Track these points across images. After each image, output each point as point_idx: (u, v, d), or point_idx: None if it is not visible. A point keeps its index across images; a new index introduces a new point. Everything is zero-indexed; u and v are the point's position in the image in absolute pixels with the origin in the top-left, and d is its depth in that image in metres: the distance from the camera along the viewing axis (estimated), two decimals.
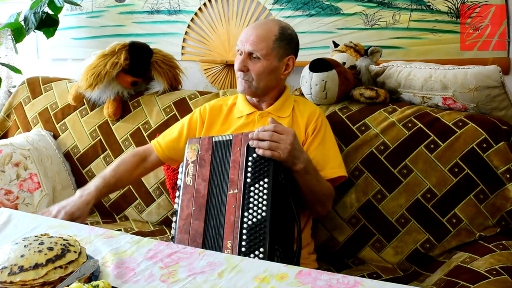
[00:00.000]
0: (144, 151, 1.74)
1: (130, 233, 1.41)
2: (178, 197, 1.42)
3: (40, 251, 1.00)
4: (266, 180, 1.31)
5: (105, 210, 2.13)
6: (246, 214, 1.29)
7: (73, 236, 1.14)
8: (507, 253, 1.42)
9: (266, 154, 1.33)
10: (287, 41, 1.59)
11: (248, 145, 1.36)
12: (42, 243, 1.02)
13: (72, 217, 1.50)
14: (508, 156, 1.57)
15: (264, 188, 1.30)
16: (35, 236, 1.07)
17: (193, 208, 1.37)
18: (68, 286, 0.94)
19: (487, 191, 1.58)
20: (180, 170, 1.46)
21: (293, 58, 1.62)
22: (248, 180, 1.32)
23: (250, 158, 1.34)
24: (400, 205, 1.66)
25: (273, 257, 1.24)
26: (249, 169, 1.33)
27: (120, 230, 1.74)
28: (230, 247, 1.27)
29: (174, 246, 1.16)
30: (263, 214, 1.27)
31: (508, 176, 1.56)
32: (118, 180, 1.67)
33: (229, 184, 1.34)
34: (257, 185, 1.31)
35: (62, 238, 1.08)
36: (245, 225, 1.28)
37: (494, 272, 1.31)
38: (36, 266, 0.97)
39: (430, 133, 1.65)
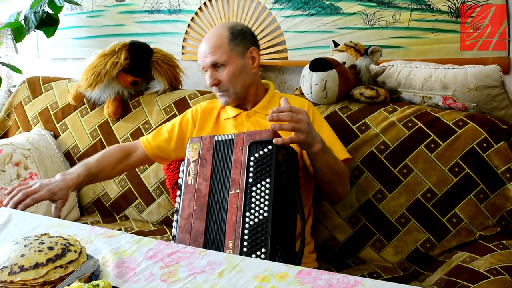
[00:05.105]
0: (130, 147, 1.74)
1: (130, 233, 1.41)
2: (179, 196, 1.41)
3: (40, 251, 1.00)
4: (268, 180, 1.30)
5: (106, 210, 2.13)
6: (248, 214, 1.28)
7: (74, 236, 1.14)
8: (508, 252, 1.43)
9: (286, 141, 1.31)
10: (241, 37, 1.60)
11: (250, 145, 1.35)
12: (42, 243, 1.02)
13: (53, 197, 1.50)
14: (508, 156, 1.57)
15: (266, 188, 1.29)
16: (35, 236, 1.07)
17: (195, 208, 1.37)
18: (68, 285, 0.94)
19: (487, 191, 1.58)
20: (181, 168, 1.46)
21: (255, 50, 1.63)
22: (250, 180, 1.31)
23: (252, 158, 1.33)
24: (400, 204, 1.66)
25: (274, 257, 1.24)
26: (251, 169, 1.32)
27: (120, 229, 1.74)
28: (231, 247, 1.27)
29: (174, 245, 1.16)
30: (265, 214, 1.27)
31: (508, 175, 1.56)
32: (100, 172, 1.67)
33: (230, 184, 1.34)
34: (259, 185, 1.30)
35: (62, 237, 1.08)
36: (247, 225, 1.27)
37: (495, 272, 1.31)
38: (37, 266, 0.97)
39: (430, 132, 1.65)
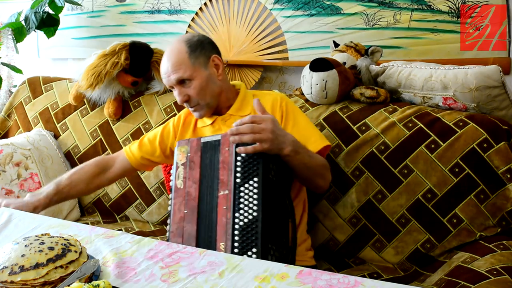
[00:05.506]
0: (108, 161, 1.74)
1: (131, 233, 1.41)
2: (171, 199, 1.41)
3: (40, 251, 1.00)
4: (256, 179, 1.28)
5: (106, 210, 2.13)
6: (237, 214, 1.27)
7: (74, 236, 1.14)
8: (508, 253, 1.42)
9: (249, 151, 1.30)
10: (200, 48, 1.57)
11: (236, 144, 1.33)
12: (42, 243, 1.03)
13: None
14: (509, 156, 1.57)
15: (254, 188, 1.28)
16: (36, 236, 1.07)
17: (185, 211, 1.36)
18: (68, 285, 0.94)
19: (488, 191, 1.58)
20: (172, 171, 1.45)
21: (216, 57, 1.60)
22: (238, 180, 1.30)
23: (238, 158, 1.32)
24: (401, 205, 1.66)
25: (267, 256, 1.23)
26: (238, 169, 1.31)
27: (120, 230, 1.74)
28: (223, 249, 1.26)
29: (174, 245, 1.16)
30: (254, 214, 1.26)
31: (508, 176, 1.56)
32: (72, 189, 1.68)
33: (219, 185, 1.33)
34: (247, 185, 1.29)
35: (62, 237, 1.08)
36: (236, 226, 1.26)
37: (495, 272, 1.31)
38: (37, 266, 0.97)
39: (430, 133, 1.65)
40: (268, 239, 1.25)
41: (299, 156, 1.38)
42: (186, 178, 1.39)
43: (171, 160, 1.71)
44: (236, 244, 1.25)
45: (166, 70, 1.56)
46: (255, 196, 1.27)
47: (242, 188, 1.29)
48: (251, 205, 1.27)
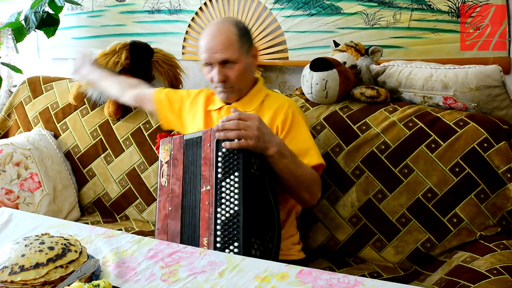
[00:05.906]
0: (140, 83, 1.93)
1: (131, 233, 1.42)
2: (157, 197, 1.43)
3: (41, 251, 1.00)
4: (236, 173, 1.29)
5: (106, 210, 2.13)
6: (219, 209, 1.28)
7: (74, 236, 1.14)
8: (508, 252, 1.42)
9: (233, 146, 1.30)
10: (246, 35, 1.59)
11: (217, 140, 1.33)
12: (43, 243, 1.03)
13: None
14: (509, 156, 1.57)
15: (235, 182, 1.28)
16: (36, 236, 1.07)
17: (170, 208, 1.37)
18: (68, 285, 0.94)
19: (488, 191, 1.58)
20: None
21: (255, 48, 1.63)
22: (219, 175, 1.30)
23: (219, 153, 1.32)
24: (401, 204, 1.66)
25: (250, 250, 1.23)
26: (220, 164, 1.31)
27: (120, 229, 1.74)
28: (206, 244, 1.27)
29: (174, 245, 1.16)
30: (236, 208, 1.26)
31: (509, 175, 1.56)
32: (103, 80, 1.98)
33: (202, 181, 1.34)
34: (228, 180, 1.29)
35: (63, 237, 1.08)
36: (218, 221, 1.27)
37: (495, 272, 1.31)
38: (37, 266, 0.97)
39: (431, 132, 1.65)
40: (250, 233, 1.25)
41: (284, 160, 1.38)
42: (170, 175, 1.41)
43: (177, 126, 1.77)
44: (218, 239, 1.25)
45: (212, 47, 1.54)
46: (236, 191, 1.28)
47: (223, 183, 1.30)
48: (232, 199, 1.28)
